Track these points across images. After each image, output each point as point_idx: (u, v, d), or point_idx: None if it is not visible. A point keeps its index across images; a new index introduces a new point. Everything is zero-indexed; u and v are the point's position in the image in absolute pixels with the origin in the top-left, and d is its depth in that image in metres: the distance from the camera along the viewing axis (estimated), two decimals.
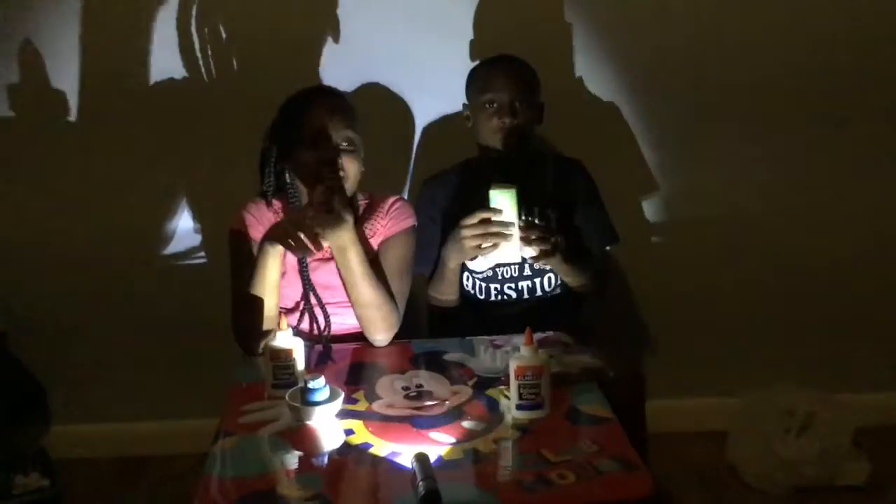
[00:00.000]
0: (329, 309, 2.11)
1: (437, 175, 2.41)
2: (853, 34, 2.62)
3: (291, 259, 2.09)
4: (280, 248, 1.98)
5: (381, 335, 2.07)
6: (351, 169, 2.06)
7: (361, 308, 2.04)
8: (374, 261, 2.08)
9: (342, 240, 1.97)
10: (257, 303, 2.01)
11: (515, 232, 2.07)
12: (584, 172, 2.39)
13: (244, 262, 2.07)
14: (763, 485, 2.56)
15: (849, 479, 2.55)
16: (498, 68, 2.29)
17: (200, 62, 2.60)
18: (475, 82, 2.33)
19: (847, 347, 2.85)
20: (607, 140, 2.70)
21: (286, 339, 1.83)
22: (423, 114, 2.67)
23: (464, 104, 2.37)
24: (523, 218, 2.09)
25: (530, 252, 2.11)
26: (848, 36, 2.62)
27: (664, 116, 2.71)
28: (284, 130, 2.08)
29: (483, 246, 2.09)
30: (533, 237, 2.08)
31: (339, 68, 2.58)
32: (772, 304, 2.83)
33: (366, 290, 2.02)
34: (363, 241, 2.08)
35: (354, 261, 2.00)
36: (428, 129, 2.68)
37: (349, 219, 1.96)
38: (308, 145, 2.04)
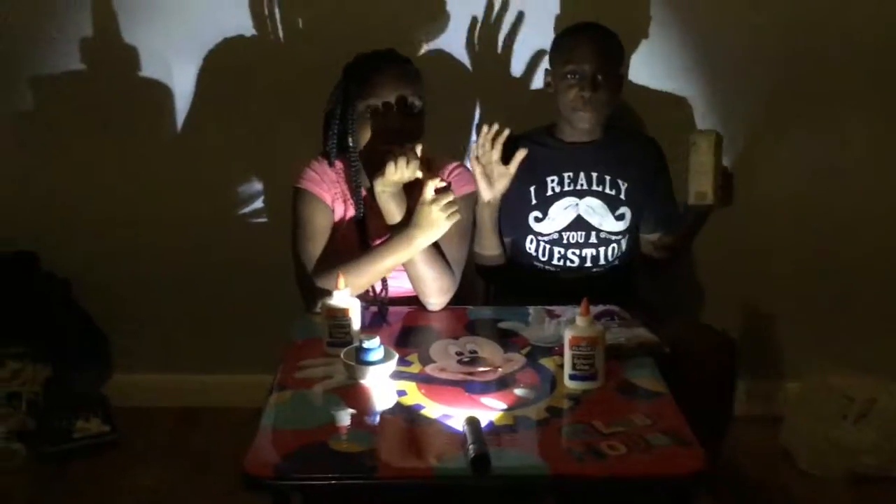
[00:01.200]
0: None
1: (509, 142, 2.38)
2: None
3: (350, 223, 2.12)
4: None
5: (434, 298, 2.07)
6: (412, 130, 2.06)
7: (416, 270, 2.05)
8: None
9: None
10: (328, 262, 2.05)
11: (711, 175, 2.07)
12: (660, 151, 2.39)
13: (307, 220, 2.10)
14: (817, 470, 2.51)
15: None
16: (583, 38, 2.26)
17: (268, 23, 2.60)
18: (559, 51, 2.31)
19: None
20: (676, 121, 2.64)
21: (343, 299, 1.85)
22: (484, 83, 2.65)
23: (546, 70, 2.35)
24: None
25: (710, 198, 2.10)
26: None
27: (738, 111, 2.67)
28: (350, 93, 2.08)
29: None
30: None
31: (403, 33, 2.57)
32: (833, 287, 2.77)
33: (421, 252, 2.02)
34: None
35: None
36: (493, 98, 2.66)
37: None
38: (373, 112, 2.06)
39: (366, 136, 2.08)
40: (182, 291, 2.84)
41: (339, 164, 2.15)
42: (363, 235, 2.11)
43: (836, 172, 2.69)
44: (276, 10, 2.59)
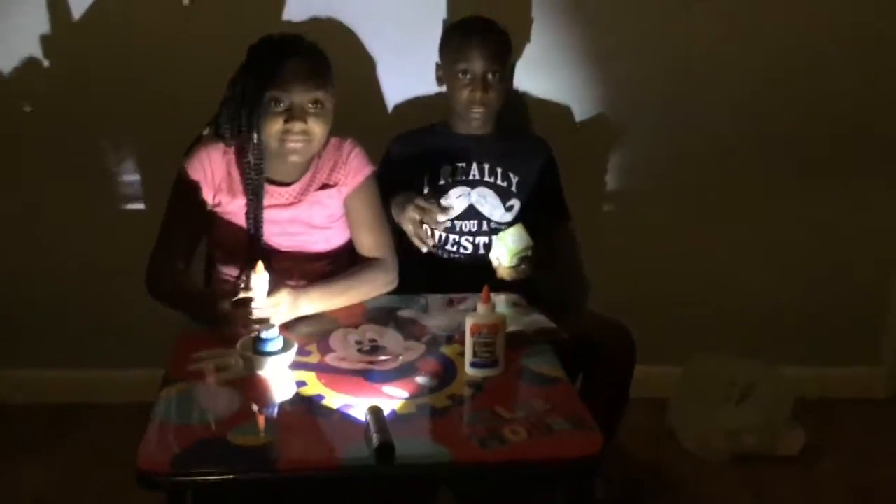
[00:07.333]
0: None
1: (406, 135, 2.41)
2: None
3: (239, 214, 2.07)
4: None
5: (386, 291, 2.09)
6: (317, 130, 2.01)
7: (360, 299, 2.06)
8: (348, 214, 2.13)
9: (298, 308, 1.90)
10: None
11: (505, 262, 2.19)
12: (549, 152, 2.44)
13: (176, 203, 2.06)
14: (702, 451, 2.61)
15: (784, 450, 2.61)
16: (473, 39, 2.28)
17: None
18: (449, 49, 2.33)
19: (791, 322, 2.89)
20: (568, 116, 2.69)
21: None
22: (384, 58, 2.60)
23: (437, 64, 2.37)
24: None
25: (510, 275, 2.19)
26: None
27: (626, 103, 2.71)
28: (255, 81, 1.97)
29: (412, 229, 2.20)
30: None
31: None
32: (718, 275, 2.86)
33: (353, 297, 2.03)
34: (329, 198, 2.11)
35: (328, 303, 1.98)
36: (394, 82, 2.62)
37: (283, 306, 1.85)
38: (276, 108, 1.97)
39: (267, 125, 1.99)
40: (62, 283, 2.70)
41: (229, 152, 2.06)
42: (256, 229, 2.05)
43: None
44: None
